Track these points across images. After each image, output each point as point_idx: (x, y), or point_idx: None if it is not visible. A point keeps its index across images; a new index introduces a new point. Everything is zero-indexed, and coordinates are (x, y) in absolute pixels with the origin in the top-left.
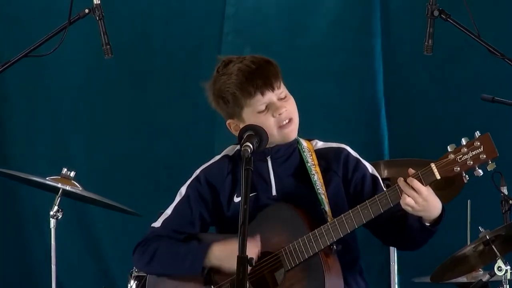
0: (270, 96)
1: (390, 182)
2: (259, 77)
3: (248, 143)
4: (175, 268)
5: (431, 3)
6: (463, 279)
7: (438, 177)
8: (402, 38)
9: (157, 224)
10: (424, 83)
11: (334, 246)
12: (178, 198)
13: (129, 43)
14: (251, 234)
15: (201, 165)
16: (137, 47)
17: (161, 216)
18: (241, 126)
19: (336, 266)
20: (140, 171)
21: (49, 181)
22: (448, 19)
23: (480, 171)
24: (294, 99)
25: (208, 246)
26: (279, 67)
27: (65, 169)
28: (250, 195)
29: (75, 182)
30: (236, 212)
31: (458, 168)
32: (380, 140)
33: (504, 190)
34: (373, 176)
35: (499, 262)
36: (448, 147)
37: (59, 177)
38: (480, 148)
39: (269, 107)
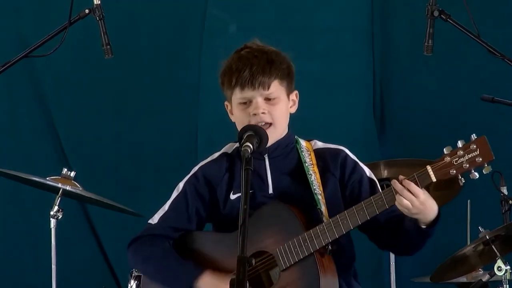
0: (252, 93)
1: (390, 182)
2: (247, 71)
3: (248, 143)
4: (165, 282)
5: (431, 4)
6: (463, 279)
7: (434, 179)
8: (401, 34)
9: (154, 220)
10: (424, 82)
11: (329, 247)
12: (175, 194)
13: (114, 22)
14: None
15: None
16: (121, 25)
17: (158, 212)
18: (233, 111)
19: (331, 266)
20: (124, 151)
21: (49, 181)
22: (448, 19)
23: (476, 174)
24: None
25: (201, 273)
26: (285, 68)
27: (65, 169)
28: None
29: (75, 182)
30: (232, 209)
31: (454, 171)
32: (368, 117)
33: (504, 190)
34: (371, 179)
35: (499, 262)
36: (444, 149)
37: (59, 177)
38: (476, 151)
39: (251, 102)
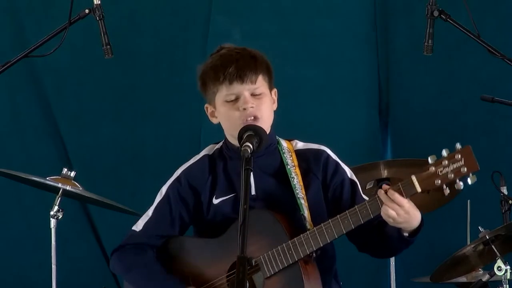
0: (240, 88)
1: (390, 182)
2: (233, 66)
3: (248, 143)
4: None
5: (431, 4)
6: (463, 279)
7: (419, 190)
8: (401, 35)
9: (138, 227)
10: (424, 82)
11: (314, 254)
12: (158, 198)
13: (116, 24)
14: (231, 238)
15: (181, 164)
16: (124, 27)
17: (142, 218)
18: (215, 113)
19: (315, 273)
20: (125, 153)
21: (49, 181)
22: (448, 19)
23: (461, 184)
24: (283, 82)
25: None
26: (266, 65)
27: (65, 169)
28: (230, 196)
29: (75, 182)
30: (215, 214)
31: (439, 181)
32: (372, 121)
33: (504, 190)
34: (352, 181)
35: (499, 262)
36: (429, 158)
37: (59, 177)
38: (461, 161)
39: (238, 99)
